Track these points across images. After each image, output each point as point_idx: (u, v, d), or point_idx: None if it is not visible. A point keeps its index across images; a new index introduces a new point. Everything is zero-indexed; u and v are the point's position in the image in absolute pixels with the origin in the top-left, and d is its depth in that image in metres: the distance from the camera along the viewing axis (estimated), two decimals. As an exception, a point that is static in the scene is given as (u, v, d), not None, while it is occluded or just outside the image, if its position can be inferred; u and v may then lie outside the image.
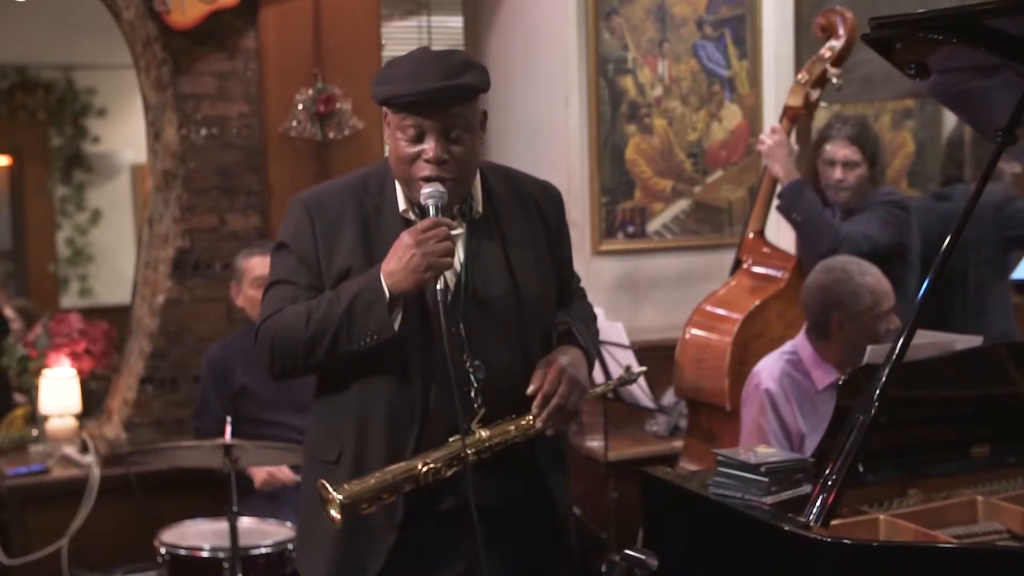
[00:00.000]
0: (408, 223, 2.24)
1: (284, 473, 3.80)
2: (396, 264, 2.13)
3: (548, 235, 2.37)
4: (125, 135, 8.36)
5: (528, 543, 2.33)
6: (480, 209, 2.29)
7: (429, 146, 2.15)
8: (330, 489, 2.12)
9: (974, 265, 4.22)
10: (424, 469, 2.15)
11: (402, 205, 2.26)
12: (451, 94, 2.14)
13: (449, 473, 2.17)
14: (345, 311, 2.14)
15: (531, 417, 2.23)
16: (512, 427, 2.23)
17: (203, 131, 4.31)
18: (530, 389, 2.21)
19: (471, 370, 2.20)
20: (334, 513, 2.12)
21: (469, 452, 2.16)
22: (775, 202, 3.95)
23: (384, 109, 2.23)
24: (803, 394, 3.14)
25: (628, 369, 2.72)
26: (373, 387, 2.22)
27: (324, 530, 2.20)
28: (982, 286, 4.25)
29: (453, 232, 2.19)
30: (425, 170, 2.16)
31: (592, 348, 2.38)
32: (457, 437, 2.16)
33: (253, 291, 3.82)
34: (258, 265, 3.83)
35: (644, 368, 2.84)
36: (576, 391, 2.23)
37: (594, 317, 2.51)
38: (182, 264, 4.31)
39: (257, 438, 3.54)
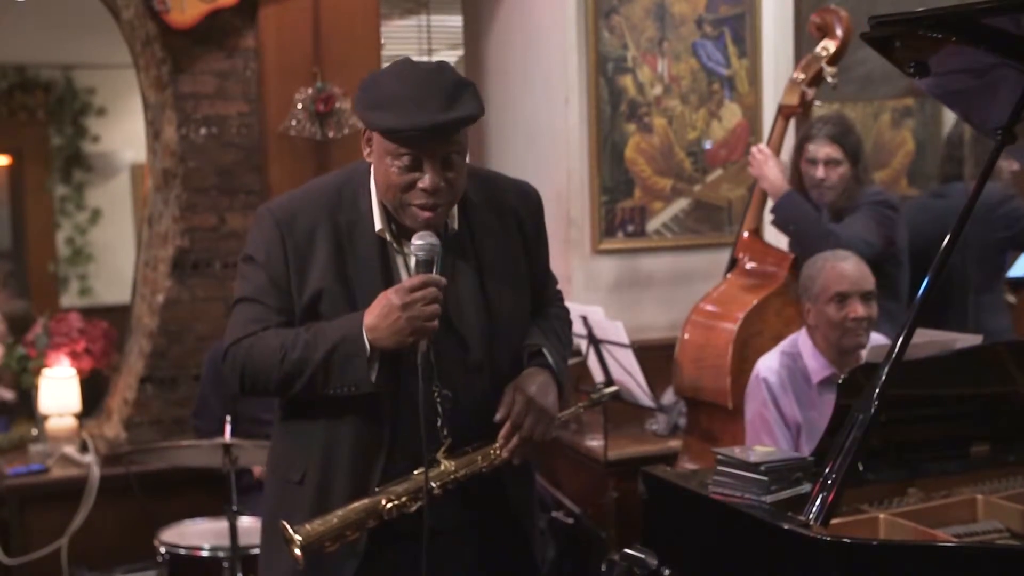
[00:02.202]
0: (383, 243, 2.18)
1: None
2: (379, 321, 2.07)
3: (525, 244, 2.31)
4: (125, 134, 8.36)
5: (492, 563, 2.30)
6: (455, 225, 2.22)
7: (427, 176, 2.07)
8: (291, 531, 2.08)
9: (969, 264, 4.22)
10: (388, 506, 2.12)
11: (378, 224, 2.18)
12: (453, 128, 2.07)
13: (414, 508, 2.14)
14: (323, 360, 2.10)
15: (497, 447, 2.20)
16: (479, 457, 2.20)
17: (203, 130, 4.31)
18: (497, 417, 2.18)
19: (439, 400, 2.16)
20: (296, 551, 2.08)
21: (434, 486, 2.13)
22: (770, 215, 3.97)
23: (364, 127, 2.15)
24: (800, 386, 3.18)
25: (597, 388, 2.67)
26: (341, 415, 2.18)
27: (285, 551, 2.14)
28: (977, 285, 4.26)
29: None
30: (420, 198, 2.09)
31: (563, 369, 2.32)
32: (422, 470, 2.13)
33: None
34: None
35: (616, 388, 2.80)
36: (543, 421, 2.19)
37: (568, 323, 2.47)
38: (182, 263, 4.32)
39: (257, 437, 3.53)
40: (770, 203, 3.93)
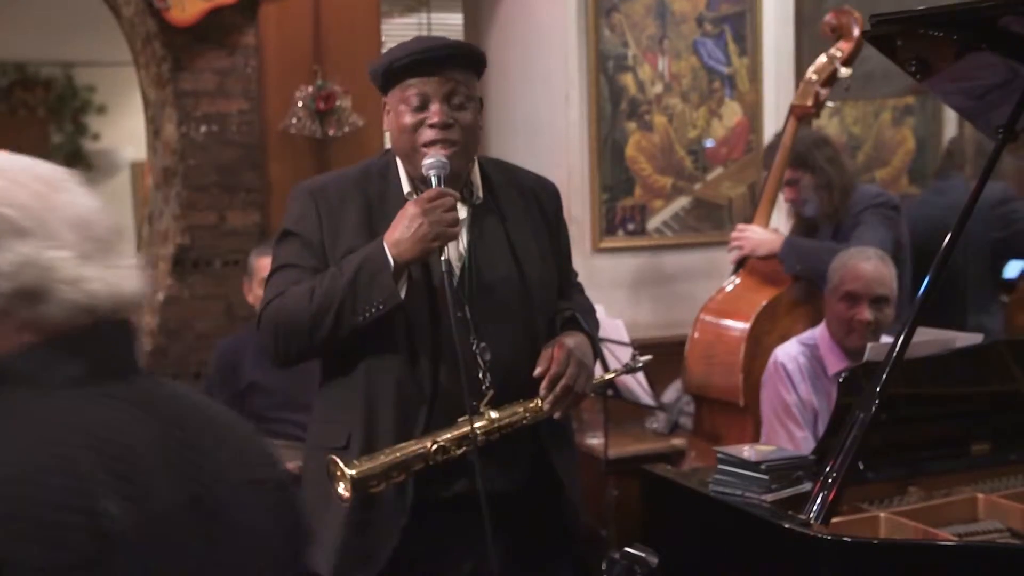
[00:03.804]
0: None
1: (291, 467, 3.79)
2: (402, 233, 2.12)
3: (547, 224, 2.38)
4: (125, 132, 8.36)
5: (537, 527, 2.32)
6: (480, 195, 2.29)
7: (433, 110, 2.17)
8: (341, 464, 2.10)
9: (963, 261, 4.22)
10: (433, 447, 2.14)
11: (406, 188, 2.26)
12: (454, 51, 2.21)
13: (459, 452, 2.15)
14: (350, 283, 2.13)
15: (539, 400, 2.22)
16: (521, 408, 2.22)
17: (203, 128, 4.31)
18: (537, 371, 2.20)
19: (478, 352, 2.20)
20: (342, 490, 2.10)
21: (478, 432, 2.15)
22: (780, 198, 3.99)
23: (384, 99, 2.25)
24: (817, 375, 3.20)
25: (633, 356, 2.69)
26: (380, 371, 2.21)
27: (332, 521, 2.18)
28: (969, 282, 4.25)
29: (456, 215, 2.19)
30: (430, 135, 2.17)
31: (596, 335, 2.37)
32: (466, 417, 2.14)
33: (262, 290, 3.80)
34: (268, 265, 3.81)
35: (649, 356, 2.80)
36: (583, 373, 2.22)
37: (593, 310, 2.51)
38: (182, 261, 4.31)
39: (263, 434, 3.52)
40: (778, 211, 3.94)
